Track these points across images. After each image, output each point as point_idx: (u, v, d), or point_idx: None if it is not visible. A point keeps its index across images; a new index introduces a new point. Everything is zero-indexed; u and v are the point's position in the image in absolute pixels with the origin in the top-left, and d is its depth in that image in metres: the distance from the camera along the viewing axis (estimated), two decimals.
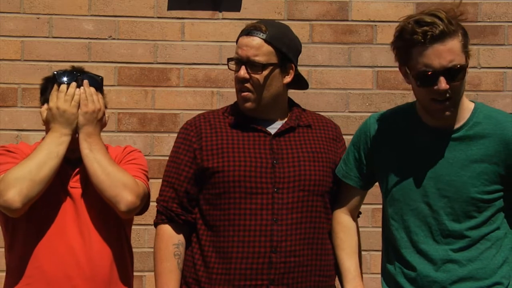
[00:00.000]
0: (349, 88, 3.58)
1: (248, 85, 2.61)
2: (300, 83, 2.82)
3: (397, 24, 3.41)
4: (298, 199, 2.61)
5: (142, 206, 2.72)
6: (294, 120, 2.71)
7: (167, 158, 3.53)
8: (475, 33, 3.57)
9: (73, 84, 2.71)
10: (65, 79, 2.70)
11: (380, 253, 3.57)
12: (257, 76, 2.61)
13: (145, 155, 3.52)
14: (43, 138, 2.82)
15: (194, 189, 2.65)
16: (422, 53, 2.39)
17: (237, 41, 2.67)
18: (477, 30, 3.59)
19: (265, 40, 2.61)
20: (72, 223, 2.69)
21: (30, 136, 3.42)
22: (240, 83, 2.62)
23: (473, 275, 2.43)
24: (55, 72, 2.72)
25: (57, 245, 2.67)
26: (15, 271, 2.70)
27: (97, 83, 2.75)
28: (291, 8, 3.58)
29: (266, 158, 2.62)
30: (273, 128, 2.68)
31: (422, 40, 2.37)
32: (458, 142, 2.47)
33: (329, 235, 2.71)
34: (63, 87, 2.69)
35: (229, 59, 2.67)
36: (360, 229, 3.58)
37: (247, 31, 2.62)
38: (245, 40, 2.62)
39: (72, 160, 2.74)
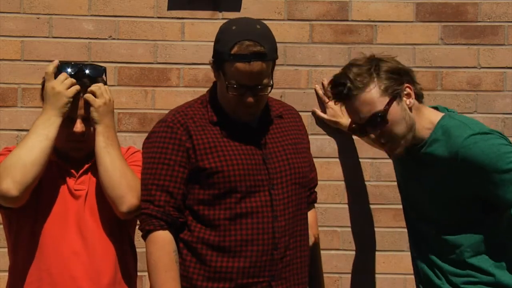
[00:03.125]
0: None
1: (254, 103, 2.59)
2: None
3: (397, 24, 3.44)
4: (291, 193, 2.64)
5: (139, 212, 2.68)
6: (267, 110, 2.72)
7: None
8: (475, 33, 3.57)
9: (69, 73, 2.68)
10: (68, 70, 2.67)
11: (388, 253, 3.57)
12: (263, 96, 2.61)
13: None
14: None
15: (186, 190, 2.63)
16: (347, 109, 2.64)
17: (227, 60, 2.54)
18: (477, 30, 3.59)
19: (267, 61, 2.56)
20: (75, 225, 2.68)
21: None
22: (248, 107, 2.58)
23: None
24: (59, 63, 2.69)
25: (61, 247, 2.65)
26: (21, 273, 2.68)
27: (100, 72, 2.74)
28: (291, 8, 3.58)
29: (257, 154, 2.63)
30: (252, 122, 2.68)
31: (339, 100, 2.61)
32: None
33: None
34: (64, 74, 2.66)
35: (229, 84, 2.55)
36: (360, 229, 3.59)
37: (247, 57, 2.50)
38: (249, 68, 2.51)
39: (77, 161, 2.73)
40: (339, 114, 3.46)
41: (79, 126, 2.68)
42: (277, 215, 2.59)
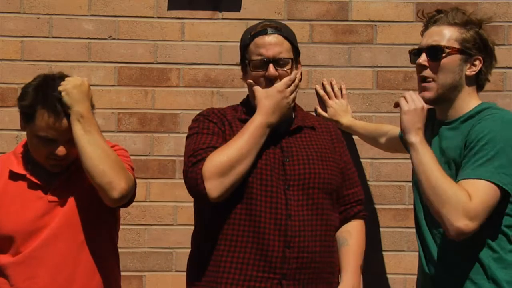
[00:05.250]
0: (349, 88, 3.57)
1: (276, 82, 2.69)
2: None
3: (397, 24, 3.44)
4: (308, 197, 2.66)
5: (130, 196, 2.65)
6: (301, 120, 2.78)
7: (167, 158, 3.54)
8: None
9: None
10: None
11: (388, 253, 3.58)
12: (284, 72, 2.71)
13: (145, 155, 3.52)
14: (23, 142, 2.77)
15: None
16: (426, 33, 2.72)
17: (249, 43, 2.74)
18: None
19: (284, 37, 2.73)
20: (53, 237, 2.63)
21: None
22: (269, 81, 2.70)
23: None
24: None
25: (35, 265, 2.62)
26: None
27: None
28: (291, 8, 3.58)
29: (277, 154, 2.70)
30: (280, 126, 2.75)
31: (427, 22, 2.72)
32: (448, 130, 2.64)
33: (333, 234, 2.74)
34: None
35: (249, 61, 2.72)
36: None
37: (265, 31, 2.71)
38: (267, 39, 2.71)
39: (49, 174, 2.70)
40: (340, 113, 3.46)
41: (61, 150, 2.64)
42: (291, 214, 2.61)
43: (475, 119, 2.57)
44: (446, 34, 2.63)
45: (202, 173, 2.57)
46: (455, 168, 2.56)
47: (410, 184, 2.89)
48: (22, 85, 2.76)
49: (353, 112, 3.55)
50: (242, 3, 3.56)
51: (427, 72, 2.63)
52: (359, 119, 3.53)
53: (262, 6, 3.56)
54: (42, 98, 2.63)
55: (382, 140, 3.32)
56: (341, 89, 3.54)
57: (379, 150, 3.47)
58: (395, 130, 3.21)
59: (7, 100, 3.50)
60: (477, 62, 2.64)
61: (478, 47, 2.64)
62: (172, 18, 3.57)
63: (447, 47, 2.60)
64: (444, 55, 2.60)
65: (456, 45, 2.61)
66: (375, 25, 3.58)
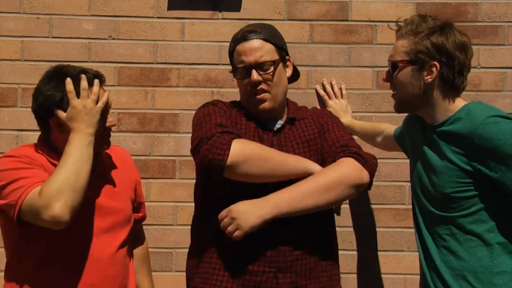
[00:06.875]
0: (349, 88, 3.58)
1: (262, 86, 2.70)
2: (293, 75, 2.93)
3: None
4: None
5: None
6: (291, 115, 2.78)
7: (167, 158, 3.54)
8: (475, 33, 3.57)
9: (97, 81, 2.62)
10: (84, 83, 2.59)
11: (388, 253, 3.57)
12: (268, 75, 2.70)
13: (145, 155, 3.53)
14: (41, 137, 2.74)
15: None
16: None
17: (232, 51, 2.77)
18: (477, 30, 3.59)
19: (264, 40, 2.72)
20: (99, 238, 2.64)
21: (30, 136, 3.42)
22: (253, 87, 2.69)
23: None
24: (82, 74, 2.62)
25: (84, 264, 2.61)
26: (28, 283, 2.59)
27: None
28: (291, 8, 3.58)
29: None
30: (274, 126, 2.78)
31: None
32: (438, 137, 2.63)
33: (328, 222, 2.73)
34: (84, 83, 2.58)
35: (235, 69, 2.75)
36: (360, 229, 3.59)
37: (244, 37, 2.73)
38: (246, 45, 2.71)
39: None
40: (339, 113, 3.46)
41: (112, 120, 2.70)
42: None
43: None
44: (398, 48, 2.65)
45: (232, 144, 2.56)
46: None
47: (410, 184, 2.89)
48: (22, 85, 2.75)
49: (353, 112, 3.56)
50: (242, 3, 3.56)
51: (392, 86, 2.69)
52: (359, 119, 3.53)
53: (262, 6, 3.56)
54: (71, 74, 2.61)
55: (379, 139, 3.32)
56: (341, 89, 3.55)
57: (379, 150, 3.47)
58: (390, 129, 3.21)
59: (7, 100, 3.50)
60: (433, 69, 2.61)
61: (431, 54, 2.60)
62: (172, 18, 3.57)
63: (400, 61, 2.63)
64: (397, 70, 2.63)
65: (406, 57, 2.62)
66: (375, 25, 3.58)
